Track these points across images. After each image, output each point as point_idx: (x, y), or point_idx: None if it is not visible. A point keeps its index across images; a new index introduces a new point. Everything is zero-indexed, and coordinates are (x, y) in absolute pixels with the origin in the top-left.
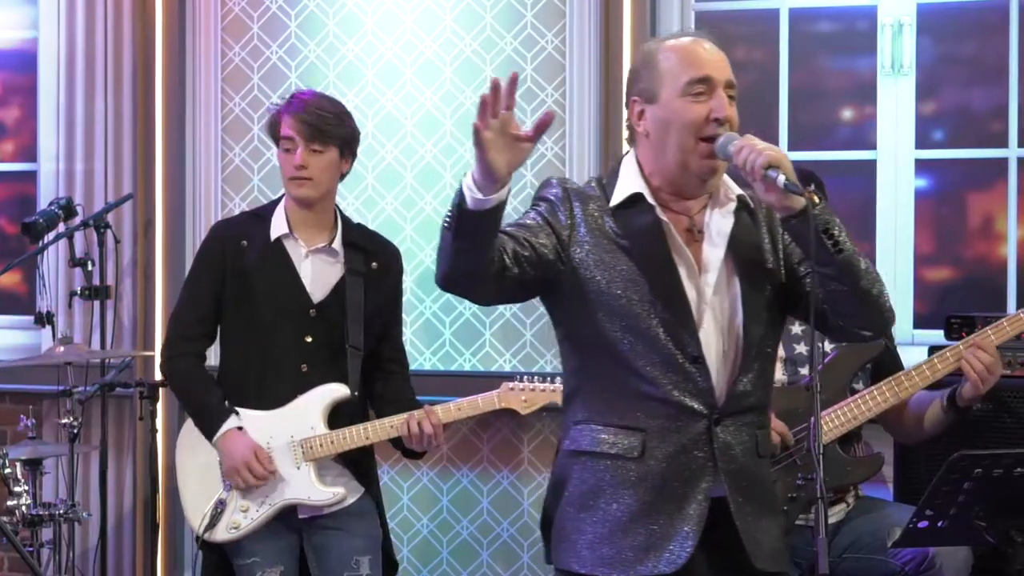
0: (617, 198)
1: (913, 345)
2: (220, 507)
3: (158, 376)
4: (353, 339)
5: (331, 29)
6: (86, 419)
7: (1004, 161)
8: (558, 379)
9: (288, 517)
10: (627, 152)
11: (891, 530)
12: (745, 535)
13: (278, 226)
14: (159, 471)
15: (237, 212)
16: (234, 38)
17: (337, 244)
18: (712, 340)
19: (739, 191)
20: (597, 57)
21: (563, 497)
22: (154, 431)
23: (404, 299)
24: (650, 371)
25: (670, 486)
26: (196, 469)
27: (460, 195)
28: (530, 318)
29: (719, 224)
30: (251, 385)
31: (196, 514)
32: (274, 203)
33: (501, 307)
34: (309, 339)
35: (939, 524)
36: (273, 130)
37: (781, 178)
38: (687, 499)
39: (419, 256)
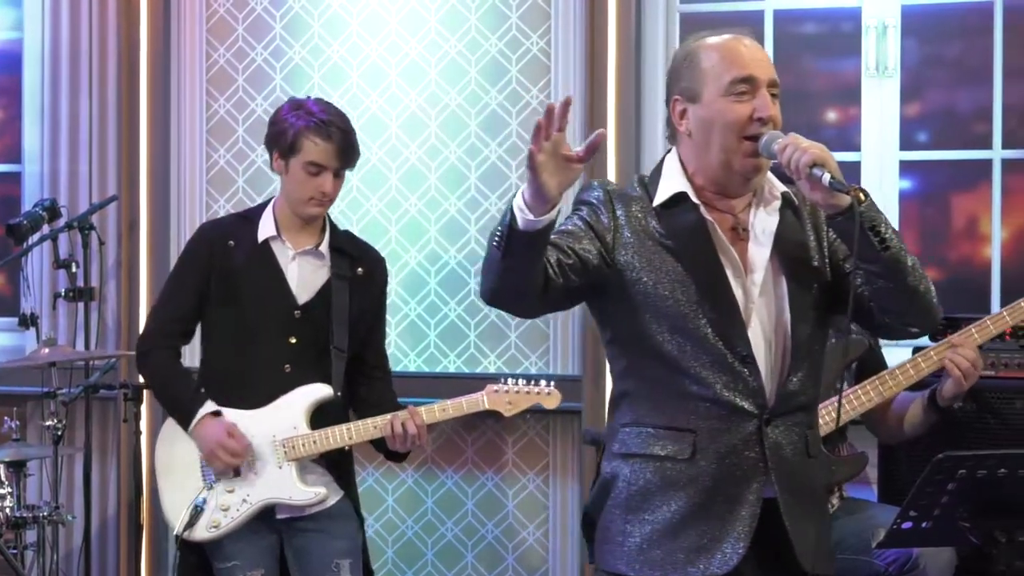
0: (660, 198)
1: (898, 346)
2: (200, 506)
3: (143, 378)
4: (338, 341)
5: (316, 31)
6: (70, 421)
7: (988, 163)
8: (543, 381)
9: (268, 518)
10: (668, 151)
11: (875, 531)
12: (795, 536)
13: (266, 228)
14: (143, 473)
15: (222, 214)
16: (219, 39)
17: (324, 247)
18: (760, 339)
19: (783, 188)
20: (582, 59)
21: (610, 499)
22: (138, 433)
23: (389, 301)
24: (699, 371)
25: (721, 487)
26: (176, 468)
27: (511, 215)
28: (515, 319)
29: (764, 223)
30: (235, 384)
31: (175, 513)
32: (262, 206)
33: (485, 309)
34: (293, 340)
35: (923, 525)
36: (287, 144)
37: (826, 176)
38: (739, 500)
39: (404, 258)
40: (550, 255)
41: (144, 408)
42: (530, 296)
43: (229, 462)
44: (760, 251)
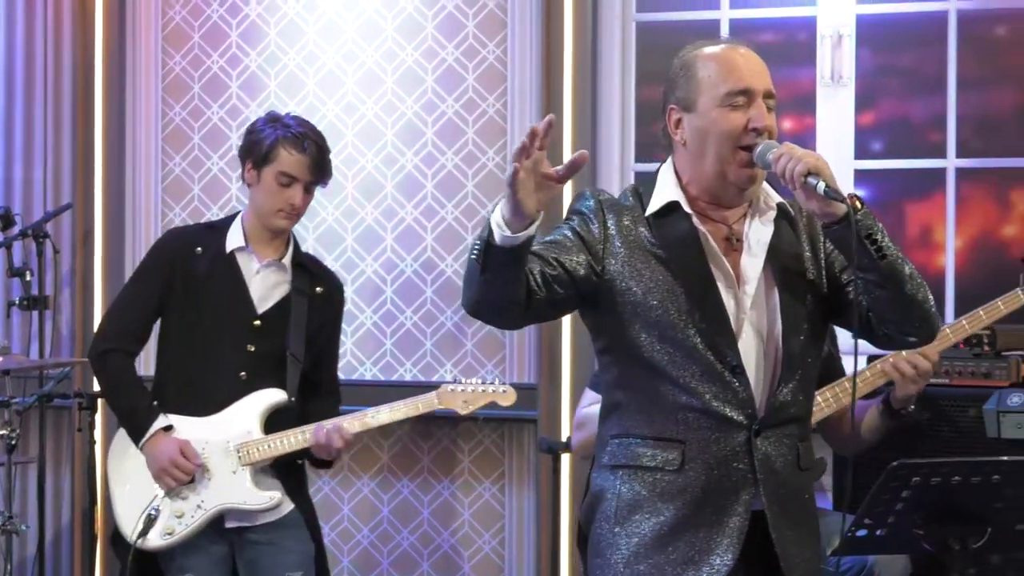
0: (653, 207)
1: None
2: (154, 514)
3: (97, 387)
4: (294, 348)
5: (272, 39)
6: (24, 430)
7: (942, 171)
8: (497, 380)
9: (219, 527)
10: (664, 161)
11: (830, 538)
12: (781, 549)
13: (234, 239)
14: (97, 482)
15: (178, 222)
16: (175, 47)
17: (287, 261)
18: (751, 350)
19: (779, 199)
20: (538, 67)
21: (599, 512)
22: (92, 442)
23: (345, 309)
24: (689, 382)
25: (710, 498)
26: (129, 476)
27: (488, 231)
28: (471, 328)
29: (759, 233)
30: (191, 390)
31: (128, 521)
32: (230, 218)
33: (441, 317)
34: (252, 348)
35: (878, 532)
36: (262, 153)
37: (821, 185)
38: (727, 512)
39: (360, 266)
40: (533, 267)
41: (99, 417)
42: (511, 309)
43: (180, 479)
44: (753, 262)
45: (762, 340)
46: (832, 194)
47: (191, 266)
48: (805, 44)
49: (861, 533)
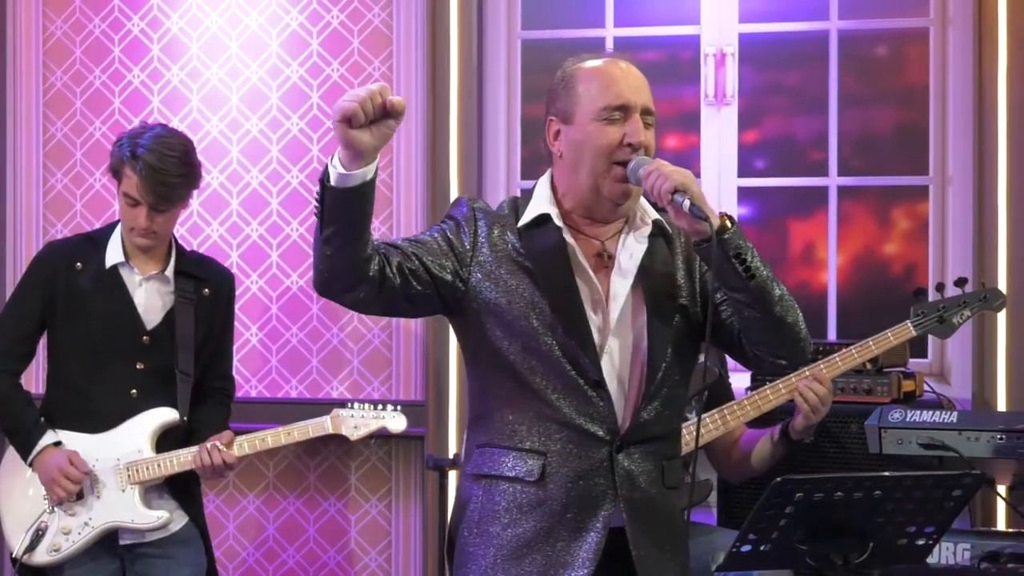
0: (525, 219)
1: (734, 372)
2: (41, 529)
3: None
4: (183, 365)
5: (155, 54)
6: None
7: (825, 190)
8: (388, 406)
9: (110, 544)
10: (545, 173)
11: (715, 554)
12: (640, 566)
13: (113, 254)
14: None
15: (62, 237)
16: (56, 62)
17: (170, 272)
18: (615, 367)
19: (656, 216)
20: (424, 84)
21: (463, 521)
22: None
23: (233, 324)
24: (551, 394)
25: (570, 513)
26: (18, 490)
27: (325, 173)
28: (357, 344)
29: (631, 250)
30: (81, 408)
31: (16, 536)
32: (109, 228)
33: (327, 334)
34: (141, 365)
35: (761, 548)
36: (115, 172)
37: (687, 203)
38: (586, 527)
39: (245, 283)
40: (391, 256)
41: None
42: (360, 280)
43: (69, 488)
44: (622, 279)
45: (627, 357)
46: (696, 212)
47: (72, 281)
48: (689, 62)
49: (745, 548)
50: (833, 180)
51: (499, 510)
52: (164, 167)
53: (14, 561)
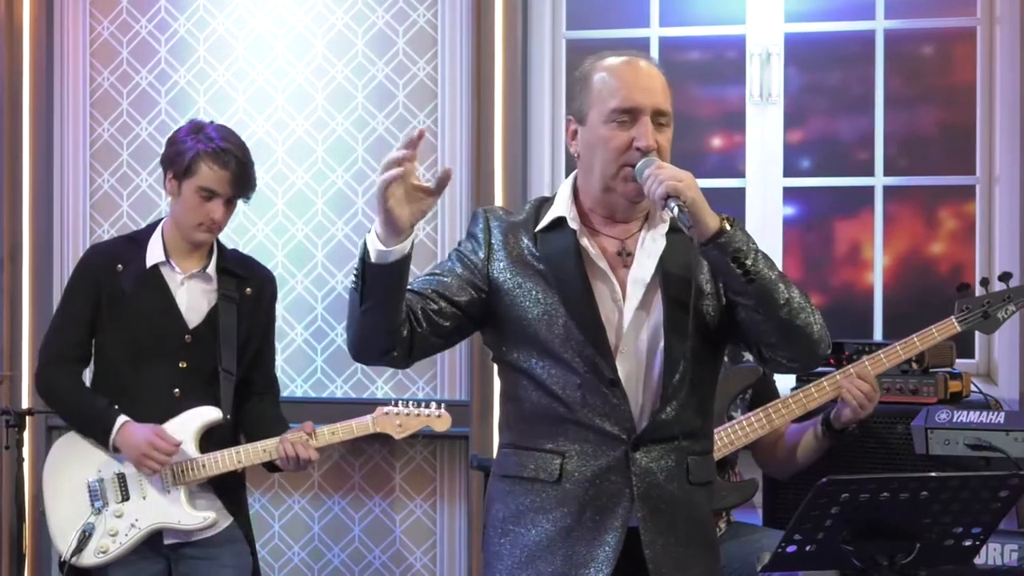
0: (543, 222)
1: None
2: (88, 531)
3: (25, 404)
4: (226, 363)
5: (202, 54)
6: None
7: (870, 189)
8: (432, 404)
9: (156, 544)
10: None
11: (760, 555)
12: (653, 565)
13: (154, 253)
14: (26, 501)
15: (106, 239)
16: (103, 63)
17: (211, 270)
18: (631, 365)
19: None
20: (469, 84)
21: (488, 521)
22: (20, 460)
23: (276, 326)
24: (568, 394)
25: (588, 512)
26: (64, 492)
27: (364, 250)
28: None
29: (649, 248)
30: (124, 408)
31: (63, 538)
32: (150, 228)
33: None
34: (183, 364)
35: (807, 549)
36: (182, 166)
37: (675, 209)
38: (604, 526)
39: (291, 283)
40: (413, 305)
41: (27, 435)
42: (394, 345)
43: (162, 460)
44: (640, 278)
45: (644, 354)
46: (682, 220)
47: (114, 283)
48: (734, 62)
49: (791, 549)
50: (879, 180)
51: (521, 511)
52: (246, 159)
53: (62, 565)
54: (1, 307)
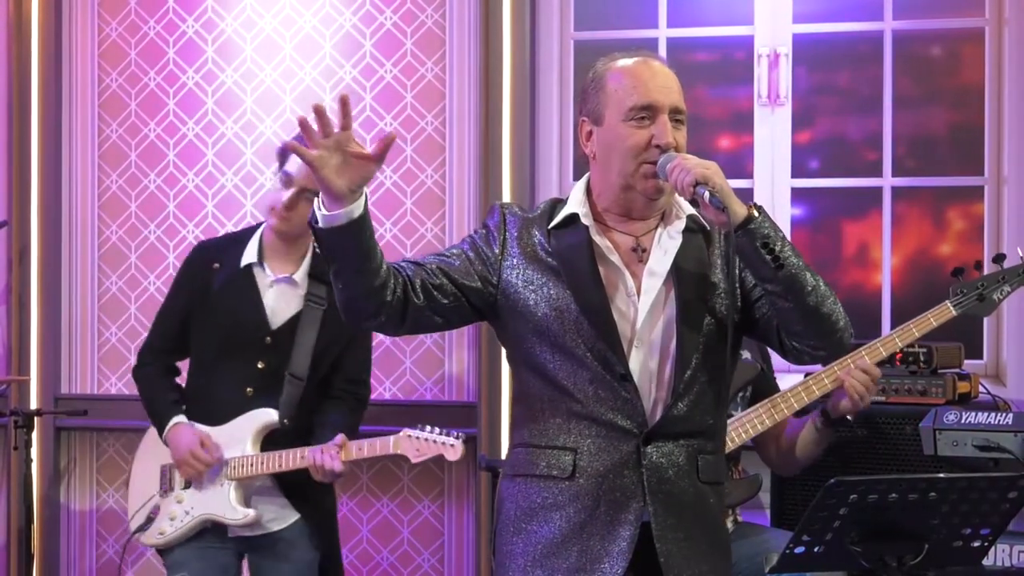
0: (557, 219)
1: (789, 372)
2: (154, 512)
3: (34, 405)
4: (295, 368)
5: (210, 56)
6: None
7: (879, 190)
8: (453, 434)
9: (223, 536)
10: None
11: (768, 555)
12: (665, 560)
13: (249, 254)
14: (34, 502)
15: (114, 239)
16: (111, 64)
17: (300, 275)
18: (644, 361)
19: (691, 211)
20: (477, 85)
21: (500, 519)
22: (28, 461)
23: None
24: (580, 390)
25: (602, 507)
26: (146, 472)
27: (312, 215)
28: (410, 346)
29: (666, 246)
30: (202, 402)
31: (133, 512)
32: (254, 228)
33: (379, 336)
34: (261, 365)
35: (815, 549)
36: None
37: (707, 194)
38: (618, 521)
39: None
40: (414, 277)
41: (35, 435)
42: (378, 310)
43: (199, 468)
44: (654, 274)
45: (657, 352)
46: (716, 202)
47: (209, 280)
48: (742, 63)
49: (799, 550)
50: (888, 180)
51: (534, 508)
52: None
53: (131, 535)
54: (9, 308)
